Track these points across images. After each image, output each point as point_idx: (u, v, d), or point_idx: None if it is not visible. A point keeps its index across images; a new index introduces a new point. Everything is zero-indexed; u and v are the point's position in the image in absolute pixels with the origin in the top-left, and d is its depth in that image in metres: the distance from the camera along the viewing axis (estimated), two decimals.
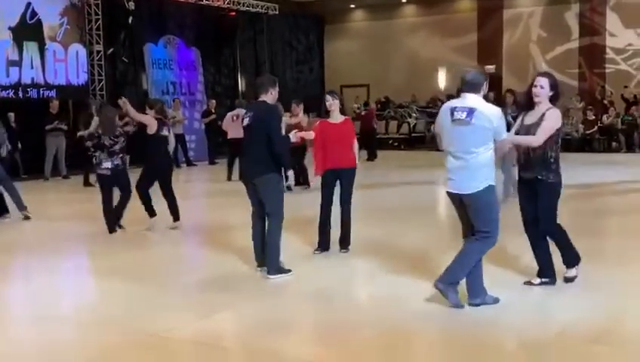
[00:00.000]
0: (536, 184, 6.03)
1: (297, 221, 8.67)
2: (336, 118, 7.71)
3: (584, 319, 5.45)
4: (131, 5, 18.67)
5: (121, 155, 9.23)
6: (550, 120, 5.93)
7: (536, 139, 5.90)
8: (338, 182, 7.68)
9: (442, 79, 25.60)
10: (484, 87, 5.63)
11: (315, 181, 7.98)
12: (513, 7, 24.97)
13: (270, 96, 6.85)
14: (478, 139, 5.48)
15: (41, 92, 17.39)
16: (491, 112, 5.52)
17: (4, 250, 8.69)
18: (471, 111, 5.46)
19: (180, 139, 18.46)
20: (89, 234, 9.52)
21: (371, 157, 19.55)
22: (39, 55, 17.39)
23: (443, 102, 7.47)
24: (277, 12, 23.49)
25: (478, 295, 5.71)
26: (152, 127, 9.18)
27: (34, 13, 17.24)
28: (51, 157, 16.20)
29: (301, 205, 9.92)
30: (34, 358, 5.10)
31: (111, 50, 19.26)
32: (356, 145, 7.80)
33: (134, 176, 9.58)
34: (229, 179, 14.88)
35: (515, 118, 6.93)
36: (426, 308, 5.76)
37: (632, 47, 23.13)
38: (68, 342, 5.35)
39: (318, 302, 6.20)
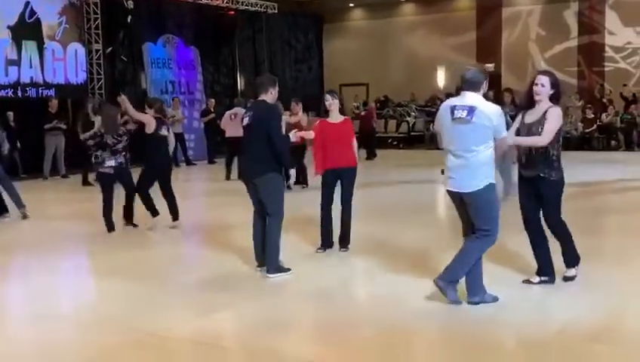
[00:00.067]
0: (538, 182, 6.03)
1: (297, 220, 8.67)
2: (336, 117, 7.71)
3: (584, 317, 5.45)
4: (130, 4, 18.65)
5: (123, 153, 9.24)
6: (553, 119, 5.93)
7: (541, 140, 5.90)
8: (338, 182, 7.68)
9: (441, 78, 25.59)
10: (484, 86, 5.64)
11: (315, 180, 7.98)
12: (512, 6, 24.96)
13: (270, 96, 6.85)
14: (478, 137, 5.49)
15: (40, 91, 17.38)
16: (491, 111, 5.52)
17: (3, 250, 8.69)
18: (471, 110, 5.46)
19: (179, 138, 18.47)
20: (88, 233, 9.52)
21: (370, 156, 19.55)
22: (38, 54, 17.37)
23: (442, 101, 7.47)
24: (276, 11, 23.47)
25: (477, 293, 5.71)
26: (151, 126, 9.16)
27: (33, 12, 17.22)
28: (50, 156, 16.20)
29: (301, 204, 9.91)
30: (33, 358, 5.10)
31: (110, 49, 19.24)
32: (355, 144, 7.80)
33: (134, 175, 9.57)
34: (228, 178, 14.88)
35: (513, 117, 6.94)
36: (425, 306, 5.76)
37: (631, 46, 23.13)
38: (67, 342, 5.35)
39: (317, 301, 6.20)
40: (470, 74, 5.61)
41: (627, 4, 22.92)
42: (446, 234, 8.69)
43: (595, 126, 21.32)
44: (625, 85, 22.37)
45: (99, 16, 18.69)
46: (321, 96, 7.91)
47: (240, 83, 23.51)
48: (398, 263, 7.18)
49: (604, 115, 21.49)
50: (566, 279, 6.28)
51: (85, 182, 14.75)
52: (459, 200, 5.72)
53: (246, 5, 22.24)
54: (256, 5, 22.64)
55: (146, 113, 9.39)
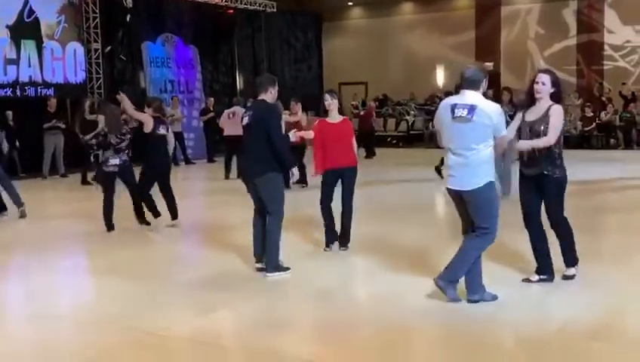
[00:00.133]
0: (541, 180, 6.03)
1: (297, 220, 8.67)
2: (335, 117, 7.71)
3: (583, 316, 5.46)
4: (129, 3, 18.63)
5: (126, 151, 9.25)
6: (557, 117, 5.95)
7: (548, 140, 5.91)
8: (339, 181, 7.68)
9: (440, 77, 25.59)
10: (484, 84, 5.64)
11: (315, 179, 7.98)
12: (511, 4, 24.96)
13: (270, 95, 6.84)
14: (478, 136, 5.49)
15: (39, 90, 17.36)
16: (491, 109, 5.53)
17: (2, 249, 8.68)
18: (472, 109, 5.46)
19: (178, 137, 18.46)
20: (87, 232, 9.51)
21: (370, 155, 19.55)
22: (37, 53, 17.35)
23: (441, 100, 7.47)
24: (275, 9, 23.45)
25: (476, 291, 5.71)
26: (148, 125, 9.15)
27: (31, 12, 17.20)
28: (49, 155, 16.20)
29: (301, 204, 9.91)
30: (32, 357, 5.10)
31: (108, 48, 19.23)
32: (355, 144, 7.80)
33: (135, 173, 9.57)
34: (227, 177, 14.87)
35: (512, 117, 6.94)
36: (425, 305, 5.76)
37: (629, 44, 23.13)
38: (66, 341, 5.35)
39: (317, 300, 6.20)
40: (470, 72, 5.62)
41: (626, 2, 22.92)
42: (445, 232, 8.69)
43: (594, 124, 21.31)
44: (624, 84, 22.36)
45: (98, 15, 18.68)
46: (321, 96, 7.90)
47: (239, 82, 23.50)
48: (398, 262, 7.18)
49: (603, 114, 21.48)
50: (565, 278, 6.29)
51: (84, 182, 14.74)
52: (459, 198, 5.73)
53: (245, 4, 22.22)
54: (255, 4, 22.62)
55: (144, 112, 9.39)
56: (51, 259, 8.10)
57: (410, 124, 24.71)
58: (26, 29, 17.12)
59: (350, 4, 27.76)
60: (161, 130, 9.27)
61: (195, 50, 21.47)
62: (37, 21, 17.36)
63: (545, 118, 5.95)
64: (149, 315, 5.79)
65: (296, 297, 6.33)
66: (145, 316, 5.78)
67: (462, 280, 5.75)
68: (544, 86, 6.01)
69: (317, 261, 7.49)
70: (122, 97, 9.44)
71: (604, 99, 22.12)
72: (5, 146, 13.44)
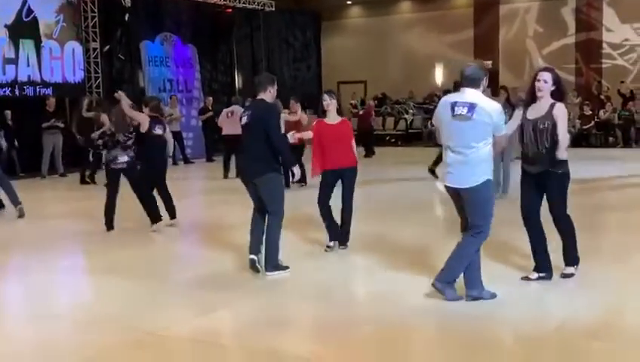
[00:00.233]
0: (545, 177, 6.05)
1: (296, 219, 8.67)
2: (333, 118, 7.68)
3: (582, 314, 5.46)
4: (127, 2, 18.62)
5: (133, 148, 9.27)
6: (563, 118, 6.00)
7: (564, 141, 5.98)
8: (339, 181, 7.67)
9: (439, 75, 25.60)
10: (484, 82, 5.65)
11: (315, 179, 7.97)
12: (509, 3, 24.97)
13: (269, 95, 6.83)
14: (478, 134, 5.50)
15: (38, 90, 17.34)
16: (492, 108, 5.54)
17: (1, 249, 8.67)
18: (472, 107, 5.47)
19: (177, 136, 18.45)
20: (86, 232, 9.51)
21: (369, 153, 19.55)
22: (35, 53, 17.33)
23: (440, 98, 7.48)
24: (273, 9, 23.43)
25: (475, 286, 5.72)
26: (144, 125, 9.13)
27: (30, 11, 17.18)
28: (48, 155, 16.18)
29: (300, 203, 9.90)
30: (31, 357, 5.10)
31: (107, 47, 19.21)
32: (354, 145, 7.78)
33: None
34: (226, 176, 14.85)
35: (509, 116, 6.95)
36: (424, 303, 5.77)
37: (628, 43, 23.14)
38: (65, 341, 5.34)
39: (316, 299, 6.20)
40: (469, 70, 5.62)
41: (625, 1, 22.94)
42: (445, 231, 8.69)
43: (592, 123, 21.31)
44: (622, 82, 22.37)
45: (96, 14, 18.66)
46: (319, 95, 7.89)
47: (238, 81, 23.48)
48: (397, 260, 7.18)
49: (601, 112, 21.49)
50: (564, 276, 6.29)
51: (83, 181, 14.75)
52: (457, 195, 5.74)
53: (243, 3, 22.19)
54: (254, 3, 22.60)
55: (142, 112, 9.37)
56: (50, 258, 8.10)
57: (408, 122, 24.72)
58: (24, 28, 17.10)
59: (349, 3, 27.77)
60: (158, 130, 9.23)
61: (193, 49, 21.46)
62: (35, 20, 17.34)
63: (548, 115, 5.97)
64: (148, 315, 5.79)
65: (295, 296, 6.33)
66: (144, 316, 5.78)
67: (460, 278, 5.75)
68: (546, 84, 6.03)
69: (316, 260, 7.49)
70: (120, 95, 9.43)
71: (602, 97, 22.11)
72: (4, 144, 13.44)
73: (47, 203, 13.32)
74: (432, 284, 5.73)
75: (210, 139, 19.59)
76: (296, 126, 12.09)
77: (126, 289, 6.64)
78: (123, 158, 9.17)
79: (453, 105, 5.58)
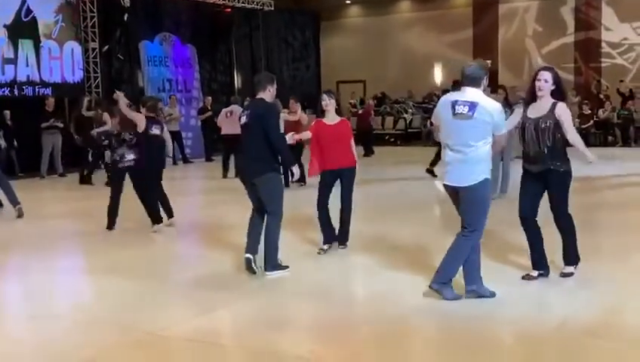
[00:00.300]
0: (547, 175, 6.06)
1: (296, 218, 8.66)
2: (332, 118, 7.65)
3: (582, 313, 5.47)
4: (126, 2, 18.61)
5: (137, 147, 9.30)
6: (568, 116, 6.04)
7: (578, 139, 6.10)
8: (338, 181, 7.65)
9: (438, 75, 25.60)
10: (485, 81, 5.65)
11: (314, 178, 7.95)
12: (508, 2, 24.97)
13: (268, 94, 6.82)
14: (478, 133, 5.51)
15: (37, 90, 17.33)
16: (492, 107, 5.55)
17: (0, 249, 8.67)
18: (473, 106, 5.47)
19: (176, 136, 18.45)
20: (86, 232, 9.51)
21: (368, 153, 19.56)
22: (34, 53, 17.33)
23: (439, 98, 7.49)
24: (272, 8, 23.42)
25: (474, 281, 5.74)
26: (141, 125, 9.13)
27: (29, 11, 17.17)
28: (47, 155, 16.18)
29: (299, 202, 9.90)
30: (31, 357, 5.10)
31: (106, 47, 19.21)
32: (353, 145, 7.76)
33: None
34: (225, 176, 14.85)
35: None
36: (424, 303, 5.77)
37: (627, 42, 23.15)
38: (65, 341, 5.34)
39: (315, 299, 6.19)
40: (470, 70, 5.62)
41: (623, 0, 22.94)
42: (444, 230, 8.67)
43: (591, 122, 21.31)
44: (621, 81, 22.37)
45: (95, 14, 18.67)
46: (318, 94, 7.87)
47: (237, 81, 23.48)
48: (397, 260, 7.18)
49: (600, 111, 21.49)
50: (564, 275, 6.29)
51: (82, 181, 14.75)
52: (455, 194, 5.74)
53: (242, 3, 22.19)
54: (253, 3, 22.60)
55: (140, 112, 9.37)
56: (50, 258, 8.09)
57: (408, 122, 24.71)
58: (23, 28, 17.09)
59: (348, 2, 27.76)
60: (155, 130, 9.22)
61: (192, 49, 21.46)
62: (34, 20, 17.34)
63: (550, 115, 5.98)
64: (148, 315, 5.79)
65: (295, 296, 6.32)
66: (144, 316, 5.78)
67: (459, 274, 5.76)
68: (546, 83, 6.04)
69: (316, 260, 7.48)
70: (118, 96, 9.44)
71: (601, 96, 22.12)
72: (3, 144, 13.44)
73: (46, 203, 13.31)
74: (429, 286, 5.74)
75: (210, 139, 19.59)
76: (295, 126, 12.08)
77: (126, 289, 6.64)
78: (130, 156, 9.21)
79: (454, 103, 5.58)
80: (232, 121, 13.85)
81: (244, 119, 6.87)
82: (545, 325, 5.24)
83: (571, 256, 6.30)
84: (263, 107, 6.76)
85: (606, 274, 6.56)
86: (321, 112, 7.72)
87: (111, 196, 9.34)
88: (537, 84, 6.06)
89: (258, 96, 6.85)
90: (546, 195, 6.22)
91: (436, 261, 5.84)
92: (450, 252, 5.72)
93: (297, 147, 12.23)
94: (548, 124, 5.97)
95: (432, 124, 7.64)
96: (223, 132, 15.15)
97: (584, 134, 21.24)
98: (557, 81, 6.09)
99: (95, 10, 18.64)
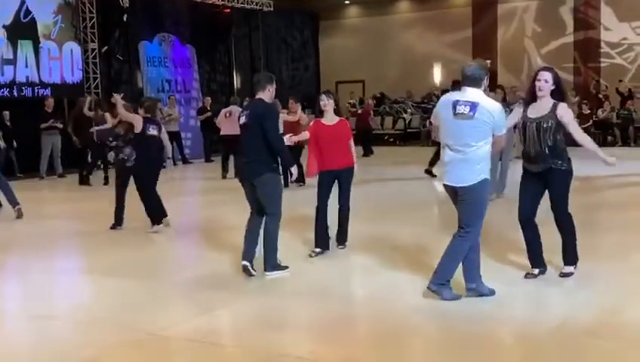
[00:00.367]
0: (548, 174, 6.07)
1: (295, 219, 8.66)
2: (331, 118, 7.61)
3: (582, 313, 5.47)
4: (125, 2, 18.62)
5: (136, 147, 9.35)
6: (570, 117, 6.06)
7: (587, 140, 6.20)
8: (335, 182, 7.63)
9: (437, 75, 25.59)
10: (485, 82, 5.65)
11: (313, 178, 7.94)
12: (508, 2, 24.97)
13: (267, 94, 6.80)
14: (478, 133, 5.50)
15: (36, 90, 17.33)
16: (493, 107, 5.55)
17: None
18: (474, 106, 5.47)
19: (175, 136, 18.46)
20: (85, 232, 9.51)
21: (367, 153, 19.57)
22: (34, 53, 17.32)
23: (438, 98, 7.48)
24: (271, 8, 23.43)
25: (473, 280, 5.74)
26: (137, 126, 9.14)
27: (28, 12, 17.17)
28: (47, 155, 16.17)
29: (298, 203, 9.90)
30: (31, 358, 5.10)
31: (105, 48, 19.21)
32: (352, 145, 7.75)
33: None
34: (224, 177, 14.84)
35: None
36: (423, 303, 5.76)
37: (626, 41, 23.15)
38: (65, 341, 5.34)
39: (315, 299, 6.19)
40: (470, 70, 5.61)
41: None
42: (444, 230, 8.66)
43: (590, 122, 21.30)
44: (621, 81, 22.37)
45: (94, 15, 18.67)
46: (318, 95, 7.86)
47: (236, 81, 23.48)
48: (396, 260, 7.18)
49: (600, 111, 21.50)
50: (563, 275, 6.30)
51: (82, 182, 14.74)
52: (454, 193, 5.74)
53: (242, 3, 22.21)
54: (252, 3, 22.61)
55: (138, 113, 9.38)
56: (49, 259, 8.10)
57: (407, 122, 24.72)
58: (22, 29, 17.09)
59: (347, 2, 27.74)
60: (152, 131, 9.20)
61: (192, 49, 21.46)
62: (34, 21, 17.34)
63: (551, 115, 6.00)
64: (148, 315, 5.79)
65: (294, 296, 6.32)
66: (144, 316, 5.78)
67: (457, 276, 5.76)
68: (546, 83, 6.05)
69: (315, 260, 7.47)
70: (116, 99, 9.47)
71: (601, 96, 22.12)
72: (2, 145, 13.42)
73: (45, 203, 13.31)
74: (428, 287, 5.74)
75: (209, 140, 19.59)
76: (294, 126, 12.08)
77: (126, 289, 6.64)
78: (134, 156, 9.25)
79: (455, 103, 5.57)
80: (231, 121, 13.85)
81: (243, 119, 6.85)
82: (545, 325, 5.24)
83: (571, 255, 6.30)
84: (263, 107, 6.75)
85: (606, 273, 6.57)
86: (319, 112, 7.70)
87: (118, 195, 9.38)
88: (537, 84, 6.07)
89: (257, 96, 6.83)
90: (546, 195, 6.23)
91: (436, 261, 5.84)
92: (448, 252, 5.72)
93: (296, 147, 12.23)
94: (550, 124, 5.98)
95: (431, 123, 7.63)
96: (222, 132, 15.14)
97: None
98: (557, 81, 6.11)
99: (94, 11, 18.65)
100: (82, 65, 18.54)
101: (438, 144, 7.63)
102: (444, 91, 11.31)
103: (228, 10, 22.28)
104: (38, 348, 5.25)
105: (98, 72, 18.90)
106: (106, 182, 14.24)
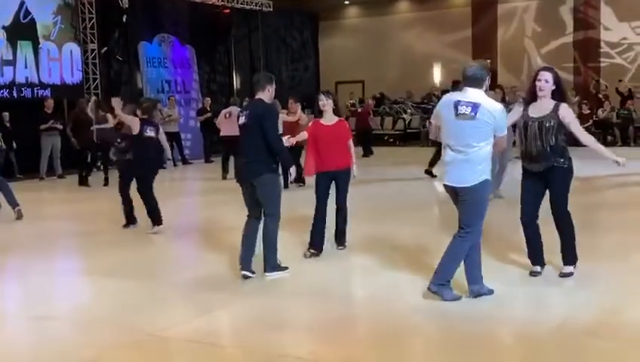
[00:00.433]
0: (550, 173, 6.07)
1: (294, 219, 8.65)
2: (330, 118, 7.59)
3: (582, 313, 5.46)
4: (125, 3, 18.61)
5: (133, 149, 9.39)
6: (573, 117, 6.09)
7: (592, 140, 6.24)
8: (333, 182, 7.60)
9: (437, 75, 25.60)
10: (487, 82, 5.65)
11: (312, 179, 7.93)
12: (507, 2, 24.97)
13: (267, 94, 6.79)
14: (480, 134, 5.50)
15: (36, 91, 17.33)
16: (494, 108, 5.54)
17: None
18: (475, 107, 5.46)
19: (175, 137, 18.46)
20: (85, 233, 9.51)
21: (367, 153, 19.57)
22: (33, 54, 17.32)
23: (438, 98, 7.48)
24: (271, 9, 23.43)
25: (476, 281, 5.74)
26: (134, 127, 9.14)
27: (27, 13, 17.17)
28: (46, 156, 16.17)
29: (297, 203, 9.89)
30: (31, 358, 5.10)
31: (105, 48, 19.21)
32: (352, 146, 7.73)
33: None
34: (224, 177, 14.83)
35: None
36: (423, 303, 5.76)
37: (626, 41, 23.15)
38: (65, 342, 5.34)
39: (315, 299, 6.19)
40: (471, 70, 5.60)
41: None
42: (444, 230, 8.66)
43: (590, 121, 21.30)
44: (620, 81, 22.37)
45: (94, 15, 18.67)
46: (317, 95, 7.84)
47: (236, 81, 23.49)
48: (396, 260, 7.18)
49: (600, 111, 21.50)
50: (563, 275, 6.30)
51: (81, 183, 14.73)
52: (455, 194, 5.73)
53: (241, 3, 22.21)
54: (252, 3, 22.61)
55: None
56: (49, 260, 8.10)
57: (407, 122, 24.72)
58: (22, 30, 17.08)
59: (346, 3, 27.74)
60: (149, 132, 9.19)
61: (191, 50, 21.46)
62: (33, 22, 17.33)
63: (553, 115, 6.01)
64: (148, 316, 5.78)
65: (294, 297, 6.32)
66: (144, 316, 5.77)
67: (457, 276, 5.75)
68: (547, 83, 6.06)
69: (314, 260, 7.47)
70: (114, 102, 9.50)
71: (600, 96, 22.13)
72: (2, 145, 13.41)
73: (45, 204, 13.31)
74: (428, 288, 5.74)
75: (209, 140, 19.58)
76: (294, 126, 12.07)
77: (125, 290, 6.63)
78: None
79: (457, 104, 5.55)
80: (231, 122, 13.83)
81: (242, 119, 6.83)
82: (545, 325, 5.24)
83: (570, 255, 6.30)
84: (262, 107, 6.73)
85: (606, 273, 6.56)
86: (318, 112, 7.69)
87: (124, 196, 9.42)
88: (538, 84, 6.07)
89: (257, 96, 6.82)
90: (546, 195, 6.23)
91: (436, 261, 5.84)
92: (448, 253, 5.72)
93: (296, 148, 12.23)
94: (552, 124, 6.00)
95: (431, 123, 7.62)
96: (222, 133, 15.13)
97: None
98: (557, 81, 6.12)
99: (94, 12, 18.64)
100: (82, 66, 18.54)
101: (438, 144, 7.61)
102: (444, 91, 11.32)
103: (227, 11, 22.28)
104: (38, 349, 5.24)
105: (98, 72, 18.90)
106: (106, 183, 14.24)
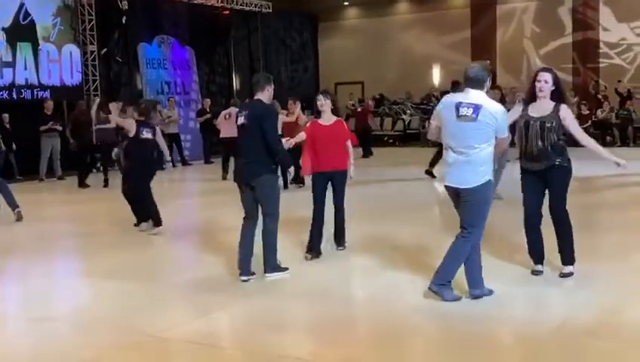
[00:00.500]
0: (549, 172, 6.09)
1: (294, 220, 8.65)
2: (328, 119, 7.58)
3: (582, 313, 5.46)
4: (125, 5, 18.62)
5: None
6: (572, 118, 6.12)
7: (592, 142, 6.28)
8: (330, 183, 7.58)
9: (437, 76, 25.60)
10: (488, 83, 5.65)
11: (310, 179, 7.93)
12: (506, 3, 24.98)
13: (266, 94, 6.79)
14: (481, 135, 5.50)
15: (35, 93, 17.32)
16: (496, 110, 5.54)
17: None
18: (477, 108, 5.46)
19: (174, 138, 18.46)
20: (84, 234, 9.51)
21: (367, 154, 19.57)
22: (33, 56, 17.32)
23: (438, 99, 7.49)
24: (270, 10, 23.45)
25: (477, 285, 5.74)
26: (131, 130, 9.15)
27: (27, 14, 17.17)
28: (46, 157, 16.16)
29: (296, 204, 9.88)
30: (31, 359, 5.10)
31: (104, 50, 19.22)
32: (350, 146, 7.71)
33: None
34: (224, 178, 14.84)
35: None
36: (423, 303, 5.76)
37: (625, 42, 23.16)
38: (64, 344, 5.33)
39: (315, 300, 6.19)
40: (474, 72, 5.60)
41: (621, 0, 22.96)
42: (444, 231, 8.67)
43: (589, 122, 21.31)
44: (619, 81, 22.38)
45: (93, 17, 18.68)
46: (316, 96, 7.84)
47: (235, 82, 23.49)
48: (396, 261, 7.18)
49: (599, 111, 21.51)
50: (563, 276, 6.31)
51: (81, 184, 14.73)
52: (456, 195, 5.73)
53: (241, 5, 22.23)
54: (251, 5, 22.63)
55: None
56: (49, 261, 8.09)
57: (406, 123, 24.73)
58: (21, 31, 17.08)
59: (346, 4, 27.75)
60: (146, 134, 9.18)
61: (191, 51, 21.47)
62: (33, 23, 17.33)
63: (554, 115, 6.03)
64: (147, 317, 5.78)
65: (294, 297, 6.32)
66: (144, 318, 5.77)
67: (459, 274, 5.76)
68: (547, 84, 6.08)
69: (314, 261, 7.46)
70: (112, 107, 9.53)
71: (599, 96, 22.13)
72: (1, 147, 13.41)
73: (45, 206, 13.31)
74: (429, 288, 5.74)
75: (208, 141, 19.59)
76: (293, 126, 12.07)
77: (125, 291, 6.63)
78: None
79: (458, 105, 5.55)
80: (230, 123, 13.83)
81: (241, 120, 6.80)
82: (545, 325, 5.24)
83: (569, 255, 6.31)
84: (262, 108, 6.72)
85: (606, 273, 6.57)
86: (317, 113, 7.69)
87: (127, 198, 9.40)
88: (538, 85, 6.09)
89: (256, 97, 6.81)
90: (546, 195, 6.24)
91: (436, 261, 5.84)
92: (450, 253, 5.72)
93: (296, 148, 12.22)
94: (554, 124, 6.02)
95: (429, 123, 7.62)
96: (221, 134, 15.13)
97: None
98: (556, 81, 6.13)
99: (93, 13, 18.65)
100: (81, 68, 18.54)
101: (439, 144, 7.61)
102: (444, 92, 11.32)
103: (227, 12, 22.29)
104: (38, 349, 5.24)
105: (97, 74, 18.90)
106: (106, 185, 14.24)
